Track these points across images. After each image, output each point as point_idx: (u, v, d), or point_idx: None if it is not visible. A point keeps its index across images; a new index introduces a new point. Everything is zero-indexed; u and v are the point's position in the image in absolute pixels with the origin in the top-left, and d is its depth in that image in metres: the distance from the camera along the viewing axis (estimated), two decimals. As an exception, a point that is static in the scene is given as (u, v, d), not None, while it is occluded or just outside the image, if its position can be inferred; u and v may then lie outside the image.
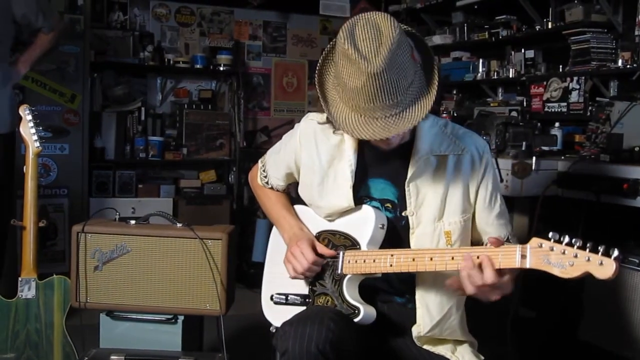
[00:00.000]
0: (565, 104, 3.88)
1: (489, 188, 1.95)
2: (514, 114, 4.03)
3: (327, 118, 1.85)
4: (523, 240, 2.09)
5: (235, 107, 5.62)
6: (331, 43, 1.78)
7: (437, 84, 1.73)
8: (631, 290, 2.58)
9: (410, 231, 1.91)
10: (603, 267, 1.46)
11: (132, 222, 2.58)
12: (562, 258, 1.51)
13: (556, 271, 1.51)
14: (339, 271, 1.94)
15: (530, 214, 3.06)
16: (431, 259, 1.76)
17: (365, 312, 1.88)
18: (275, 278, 2.14)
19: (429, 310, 1.92)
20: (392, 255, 1.83)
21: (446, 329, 1.96)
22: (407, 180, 1.89)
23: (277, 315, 2.09)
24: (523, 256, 1.58)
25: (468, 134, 1.97)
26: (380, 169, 1.96)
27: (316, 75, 1.81)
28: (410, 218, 1.91)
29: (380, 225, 1.92)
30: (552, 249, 1.53)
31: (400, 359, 1.97)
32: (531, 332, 2.98)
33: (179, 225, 2.54)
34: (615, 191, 2.66)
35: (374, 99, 1.65)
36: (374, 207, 1.95)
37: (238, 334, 3.05)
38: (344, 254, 1.94)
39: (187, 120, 5.39)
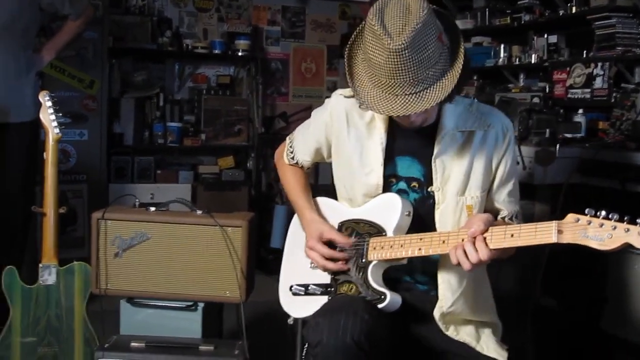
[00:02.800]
0: (589, 90, 3.81)
1: (508, 165, 1.96)
2: (536, 100, 3.98)
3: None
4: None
5: (254, 93, 5.57)
6: (363, 23, 1.78)
7: (461, 67, 1.73)
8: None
9: (436, 207, 1.91)
10: (643, 237, 1.47)
11: (152, 208, 2.57)
12: (600, 231, 1.51)
13: (594, 244, 1.52)
14: (364, 259, 1.92)
15: (553, 202, 3.01)
16: (462, 240, 1.74)
17: (391, 297, 1.86)
18: (294, 268, 2.12)
19: (450, 284, 1.90)
20: (420, 239, 1.82)
21: (469, 304, 1.93)
22: (433, 156, 1.90)
23: (296, 307, 2.07)
24: (560, 231, 1.57)
25: (494, 111, 1.98)
26: (407, 146, 1.96)
27: (346, 49, 1.83)
28: (436, 194, 1.91)
29: (407, 213, 1.91)
30: (589, 223, 1.54)
31: (424, 347, 1.95)
32: (552, 321, 2.94)
33: (198, 212, 2.52)
34: (640, 179, 2.61)
35: (395, 76, 1.67)
36: (400, 191, 1.95)
37: (257, 321, 3.05)
38: (368, 240, 1.92)
39: (206, 106, 5.35)
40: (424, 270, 1.97)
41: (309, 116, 2.18)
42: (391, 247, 1.87)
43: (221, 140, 5.43)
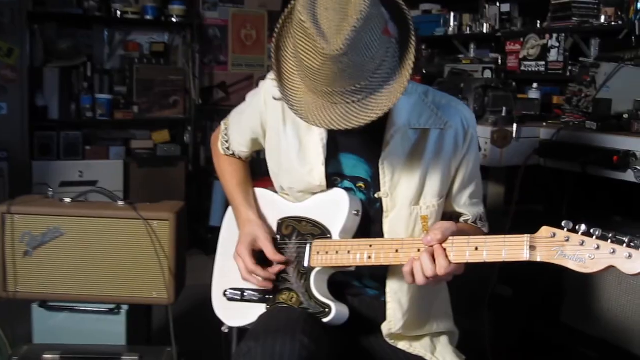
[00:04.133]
0: (543, 62, 3.63)
1: (469, 167, 1.73)
2: (487, 72, 3.78)
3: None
4: (497, 218, 1.86)
5: (190, 62, 5.26)
6: (292, 3, 1.48)
7: (412, 65, 1.45)
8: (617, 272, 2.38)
9: (384, 215, 1.68)
10: (632, 260, 1.28)
11: (67, 200, 2.27)
12: (580, 250, 1.32)
13: (572, 265, 1.32)
14: (306, 264, 1.69)
15: (508, 185, 2.83)
16: (419, 250, 1.51)
17: (337, 310, 1.64)
18: (228, 270, 1.88)
19: (401, 304, 1.69)
20: (370, 246, 1.59)
21: (422, 324, 1.74)
22: (381, 157, 1.65)
23: (231, 314, 1.84)
24: (532, 247, 1.36)
25: (452, 103, 1.72)
26: (351, 143, 1.71)
27: (274, 38, 1.51)
28: (384, 200, 1.67)
29: (355, 212, 1.68)
30: (567, 240, 1.33)
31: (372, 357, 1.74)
32: (509, 310, 2.78)
33: (120, 203, 2.24)
34: (604, 163, 2.42)
35: (332, 84, 1.40)
36: (346, 188, 1.71)
37: (193, 318, 2.75)
38: (311, 244, 1.69)
39: (138, 76, 5.02)
40: (373, 275, 1.74)
41: (250, 87, 1.90)
42: (337, 252, 1.64)
43: (155, 113, 5.11)
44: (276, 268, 1.73)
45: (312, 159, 1.70)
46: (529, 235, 1.37)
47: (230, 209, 1.95)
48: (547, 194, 2.79)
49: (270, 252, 1.73)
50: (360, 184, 1.72)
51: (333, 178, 1.72)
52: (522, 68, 3.78)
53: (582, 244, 1.31)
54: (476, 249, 1.43)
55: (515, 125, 2.70)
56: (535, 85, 3.44)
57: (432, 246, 1.47)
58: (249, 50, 5.63)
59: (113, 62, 5.15)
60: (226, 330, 1.89)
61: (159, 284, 2.18)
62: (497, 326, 2.73)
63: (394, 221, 1.67)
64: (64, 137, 4.76)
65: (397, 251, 1.55)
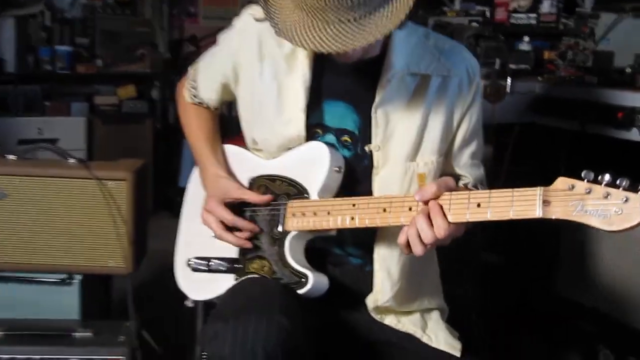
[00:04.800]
0: (535, 15, 3.40)
1: (472, 121, 1.53)
2: (474, 25, 3.55)
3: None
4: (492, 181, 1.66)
5: (158, 13, 5.00)
6: None
7: None
8: (617, 239, 2.20)
9: (374, 171, 1.47)
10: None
11: (12, 157, 2.01)
12: (605, 204, 1.10)
13: (595, 222, 1.11)
14: (280, 227, 1.48)
15: (498, 143, 2.62)
16: (410, 209, 1.30)
17: (314, 280, 1.43)
18: (193, 237, 1.67)
19: (390, 274, 1.49)
20: (353, 205, 1.38)
21: (412, 297, 1.55)
22: (374, 104, 1.43)
23: (195, 286, 1.64)
24: (546, 202, 1.15)
25: (456, 49, 1.52)
26: (340, 87, 1.49)
27: None
28: (375, 154, 1.46)
29: (337, 168, 1.46)
30: (588, 192, 1.12)
31: (358, 338, 1.54)
32: (499, 282, 2.60)
33: (71, 161, 1.99)
34: (606, 120, 2.24)
35: None
36: (328, 143, 1.48)
37: (156, 289, 2.50)
38: (286, 205, 1.48)
39: (102, 26, 4.77)
40: (357, 241, 1.53)
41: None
42: (315, 214, 1.42)
43: (120, 67, 4.84)
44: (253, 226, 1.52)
45: (291, 106, 1.49)
46: (541, 188, 1.15)
47: (196, 168, 1.72)
48: (541, 155, 2.59)
49: (251, 195, 1.52)
50: (346, 138, 1.50)
51: (314, 130, 1.50)
52: (512, 21, 3.55)
53: (606, 196, 1.10)
54: (478, 205, 1.22)
55: (509, 79, 2.49)
56: (526, 38, 3.22)
57: (426, 203, 1.26)
58: (222, 1, 5.33)
59: (74, 10, 4.83)
60: (190, 305, 1.68)
61: (116, 251, 1.94)
62: (484, 298, 2.56)
63: (385, 179, 1.46)
64: (22, 91, 4.48)
65: (384, 210, 1.33)
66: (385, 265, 1.48)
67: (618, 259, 2.21)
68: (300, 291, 1.42)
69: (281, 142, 1.51)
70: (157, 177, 4.55)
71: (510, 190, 1.19)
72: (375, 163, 1.46)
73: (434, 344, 1.49)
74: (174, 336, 1.97)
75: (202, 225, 1.57)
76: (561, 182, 1.14)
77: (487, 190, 1.23)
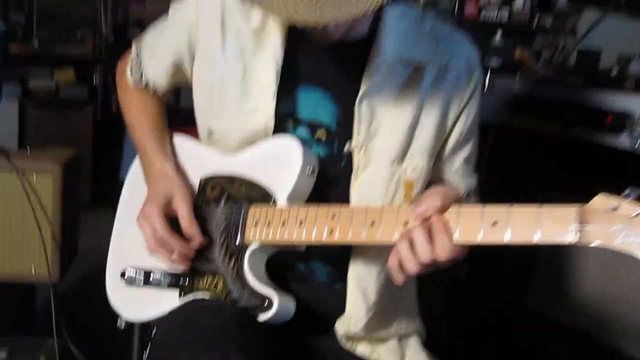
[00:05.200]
0: (507, 10, 3.23)
1: (469, 120, 1.30)
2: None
3: None
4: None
5: (102, -8, 4.67)
6: None
7: None
8: (602, 255, 2.03)
9: (353, 175, 1.22)
10: None
11: None
12: None
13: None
14: (238, 239, 1.22)
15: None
16: (406, 223, 1.05)
17: (280, 305, 1.18)
18: (129, 243, 1.39)
19: (366, 296, 1.25)
20: (333, 216, 1.12)
21: (389, 321, 1.31)
22: (359, 95, 1.19)
23: (129, 303, 1.37)
24: (582, 224, 0.90)
25: (456, 36, 1.28)
26: (317, 71, 1.25)
27: None
28: (355, 155, 1.22)
29: (309, 170, 1.21)
30: (637, 215, 0.87)
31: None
32: (465, 294, 2.39)
33: (-13, 149, 1.68)
34: (593, 124, 2.05)
35: None
36: (299, 138, 1.23)
37: (90, 297, 2.21)
38: (246, 210, 1.22)
39: (39, 4, 4.41)
40: (325, 258, 1.29)
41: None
42: (283, 224, 1.17)
43: (59, 49, 4.51)
44: (196, 241, 1.25)
45: (259, 92, 1.24)
46: (578, 207, 0.91)
47: (137, 161, 1.45)
48: (520, 159, 2.40)
49: (185, 219, 1.26)
50: (320, 134, 1.25)
51: (284, 120, 1.25)
52: (482, 17, 3.37)
53: None
54: (494, 224, 0.98)
55: (487, 77, 2.28)
56: (498, 36, 3.04)
57: (427, 219, 1.02)
58: (171, -16, 5.02)
59: (7, -16, 4.49)
60: (122, 327, 1.39)
61: (39, 256, 1.64)
62: (450, 312, 2.35)
63: (366, 185, 1.22)
64: (-54, 70, 4.07)
65: (372, 224, 1.08)
66: (362, 286, 1.24)
67: (601, 276, 2.03)
68: (262, 317, 1.17)
69: (244, 135, 1.25)
70: (96, 170, 4.24)
71: (534, 206, 0.95)
72: (355, 165, 1.22)
73: None
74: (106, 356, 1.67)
75: (136, 229, 1.29)
76: (601, 200, 0.90)
77: (505, 205, 1.00)
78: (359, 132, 1.20)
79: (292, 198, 1.20)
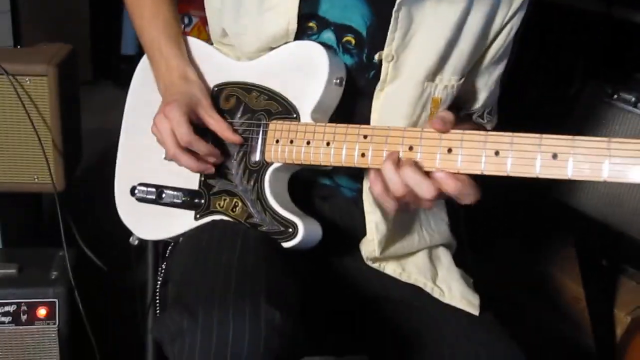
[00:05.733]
0: None
1: (514, 29, 1.12)
2: None
3: None
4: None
5: None
6: None
7: None
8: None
9: (377, 87, 1.07)
10: None
11: None
12: None
13: None
14: (257, 156, 1.09)
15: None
16: (449, 150, 0.90)
17: (305, 231, 1.07)
18: (139, 156, 1.27)
19: (385, 214, 1.12)
20: (365, 137, 0.98)
21: (413, 235, 1.20)
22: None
23: (142, 221, 1.27)
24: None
25: None
26: None
27: None
28: (384, 65, 1.06)
29: (337, 80, 1.07)
30: None
31: (352, 292, 1.20)
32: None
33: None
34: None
35: None
36: (324, 44, 1.08)
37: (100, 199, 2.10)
38: (267, 126, 1.09)
39: None
40: (350, 172, 1.15)
41: None
42: (308, 143, 1.04)
43: None
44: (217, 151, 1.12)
45: None
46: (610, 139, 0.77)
47: (143, 65, 1.28)
48: (552, 39, 2.19)
49: (218, 124, 1.11)
50: (349, 38, 1.09)
51: (307, 24, 1.09)
52: None
53: None
54: (496, 153, 0.85)
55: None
56: None
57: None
58: None
59: None
60: (135, 243, 1.30)
61: (42, 164, 1.52)
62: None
63: (391, 99, 1.07)
64: None
65: (410, 149, 0.94)
66: (379, 203, 1.11)
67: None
68: (286, 244, 1.07)
69: (262, 38, 1.10)
70: (97, 43, 4.03)
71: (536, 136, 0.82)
72: (382, 76, 1.06)
73: (446, 299, 1.15)
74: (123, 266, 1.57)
75: (151, 141, 1.15)
76: None
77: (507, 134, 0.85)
78: (392, 40, 1.04)
79: (317, 111, 1.07)
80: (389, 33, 1.03)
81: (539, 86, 2.02)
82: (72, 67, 1.59)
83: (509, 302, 2.12)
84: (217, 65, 1.19)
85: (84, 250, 1.51)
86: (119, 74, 3.83)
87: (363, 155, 0.98)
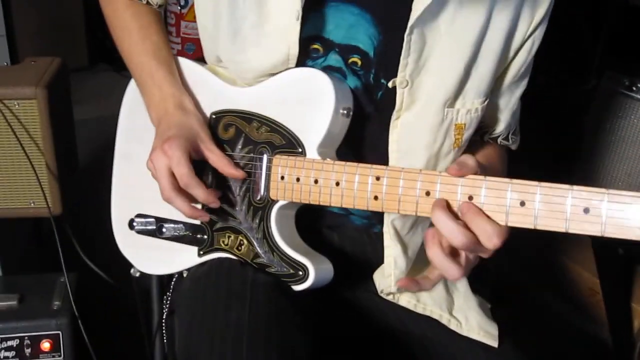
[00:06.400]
0: None
1: (536, 44, 1.05)
2: None
3: None
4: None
5: None
6: None
7: None
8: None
9: (394, 116, 1.00)
10: None
11: None
12: None
13: None
14: (261, 194, 1.03)
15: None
16: (470, 198, 0.84)
17: (317, 274, 1.01)
18: (137, 183, 1.19)
19: (405, 247, 1.06)
20: (378, 179, 0.91)
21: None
22: (410, 21, 0.94)
23: (142, 254, 1.21)
24: None
25: None
26: None
27: None
28: (399, 91, 0.98)
29: (344, 110, 1.00)
30: None
31: (364, 324, 1.14)
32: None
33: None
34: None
35: None
36: (332, 68, 1.03)
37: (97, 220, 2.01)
38: (269, 159, 1.02)
39: None
40: None
41: None
42: (316, 181, 0.97)
43: None
44: (218, 192, 1.05)
45: (279, 10, 0.99)
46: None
47: (134, 84, 1.21)
48: (572, 26, 2.09)
49: (222, 162, 1.04)
50: (355, 59, 1.01)
51: (311, 46, 1.02)
52: None
53: None
54: (522, 204, 0.79)
55: None
56: None
57: None
58: None
59: None
60: (136, 275, 1.24)
61: (36, 189, 1.46)
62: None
63: (410, 128, 1.00)
64: None
65: (428, 194, 0.88)
66: (399, 239, 1.05)
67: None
68: (297, 287, 1.01)
69: (262, 65, 1.03)
70: (92, 26, 3.93)
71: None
72: (397, 104, 0.99)
73: (464, 331, 1.10)
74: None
75: (146, 168, 1.09)
76: None
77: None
78: (405, 65, 0.96)
79: (324, 145, 1.00)
80: (401, 58, 0.96)
81: (556, 77, 1.95)
82: (62, 82, 1.51)
83: (524, 294, 2.08)
84: (214, 90, 1.12)
85: (88, 270, 1.44)
86: (116, 58, 3.75)
87: (376, 198, 0.91)
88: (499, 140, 1.15)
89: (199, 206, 1.06)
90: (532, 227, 0.78)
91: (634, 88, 1.79)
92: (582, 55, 1.84)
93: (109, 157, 1.24)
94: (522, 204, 0.79)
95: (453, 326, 1.10)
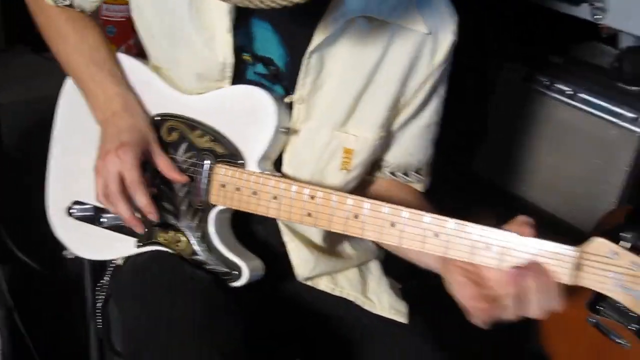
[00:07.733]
0: None
1: (430, 83, 1.15)
2: None
3: None
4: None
5: None
6: None
7: None
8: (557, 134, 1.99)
9: (291, 129, 1.12)
10: None
11: None
12: None
13: (629, 301, 0.88)
14: (202, 198, 1.12)
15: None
16: (393, 224, 0.97)
17: (250, 272, 1.12)
18: (76, 173, 1.23)
19: (309, 241, 1.20)
20: (312, 198, 1.02)
21: (344, 254, 1.27)
22: (310, 47, 1.05)
23: (79, 239, 1.25)
24: (578, 267, 0.88)
25: (442, 5, 1.13)
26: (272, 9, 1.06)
27: None
28: (296, 107, 1.10)
29: (283, 129, 1.10)
30: (634, 267, 0.86)
31: (287, 310, 1.25)
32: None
33: None
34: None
35: None
36: (260, 74, 1.12)
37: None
38: (212, 168, 1.10)
39: None
40: None
41: None
42: (255, 193, 1.06)
43: None
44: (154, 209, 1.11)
45: (213, 20, 1.07)
46: (578, 249, 0.88)
47: (69, 82, 1.24)
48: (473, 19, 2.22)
49: (167, 167, 1.12)
50: (274, 71, 1.11)
51: (243, 55, 1.10)
52: None
53: None
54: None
55: None
56: None
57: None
58: None
59: None
60: (70, 256, 1.28)
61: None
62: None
63: (300, 142, 1.11)
64: None
65: (356, 217, 0.99)
66: (293, 230, 1.17)
67: (547, 147, 2.01)
68: (233, 284, 1.12)
69: (199, 68, 1.10)
70: (8, 6, 3.71)
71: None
72: (294, 118, 1.09)
73: (377, 310, 1.24)
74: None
75: (90, 163, 1.13)
76: (601, 245, 0.87)
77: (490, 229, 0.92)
78: (303, 85, 1.07)
79: (264, 160, 1.09)
80: (299, 78, 1.06)
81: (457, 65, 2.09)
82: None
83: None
84: (158, 93, 1.16)
85: (21, 260, 1.46)
86: (36, 38, 3.59)
87: (309, 215, 1.02)
88: (386, 170, 1.23)
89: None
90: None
91: (532, 79, 1.94)
92: (482, 46, 1.96)
93: (36, 142, 1.25)
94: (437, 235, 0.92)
95: (367, 307, 1.23)
